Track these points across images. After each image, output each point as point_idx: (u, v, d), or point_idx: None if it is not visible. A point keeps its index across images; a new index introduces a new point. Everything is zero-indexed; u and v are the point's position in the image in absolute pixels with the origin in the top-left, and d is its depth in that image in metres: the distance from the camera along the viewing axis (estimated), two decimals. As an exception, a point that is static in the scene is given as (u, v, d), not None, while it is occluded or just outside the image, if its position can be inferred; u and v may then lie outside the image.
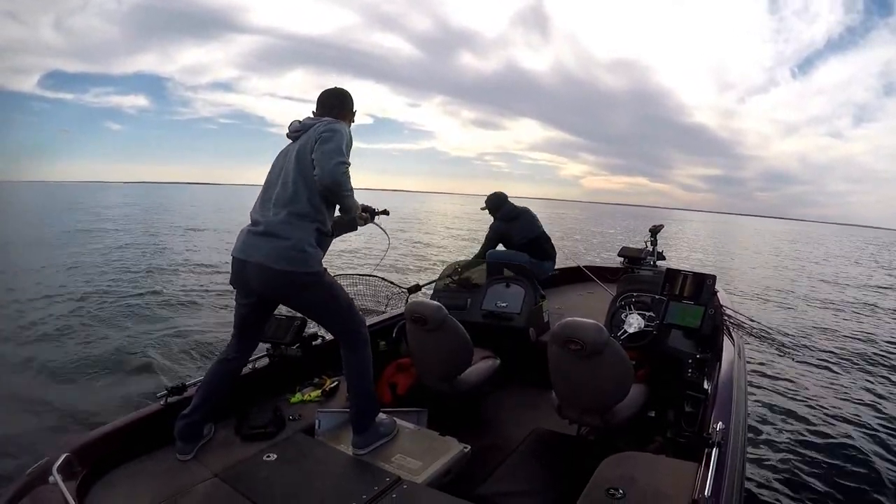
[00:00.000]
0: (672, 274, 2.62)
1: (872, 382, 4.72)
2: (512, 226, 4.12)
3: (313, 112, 1.96)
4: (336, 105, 1.96)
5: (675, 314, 2.49)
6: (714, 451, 1.38)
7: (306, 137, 1.81)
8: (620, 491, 1.42)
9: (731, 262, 16.25)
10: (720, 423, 1.49)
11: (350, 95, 2.02)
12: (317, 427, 1.97)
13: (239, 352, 1.92)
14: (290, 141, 1.90)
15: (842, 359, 5.48)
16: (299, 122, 1.90)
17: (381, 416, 1.92)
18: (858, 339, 6.50)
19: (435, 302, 2.29)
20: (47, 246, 12.49)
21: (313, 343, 2.46)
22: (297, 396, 2.23)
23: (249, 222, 1.83)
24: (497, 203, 4.19)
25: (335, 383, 2.28)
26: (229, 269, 1.83)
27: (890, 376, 4.99)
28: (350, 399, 1.89)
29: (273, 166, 1.91)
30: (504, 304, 2.96)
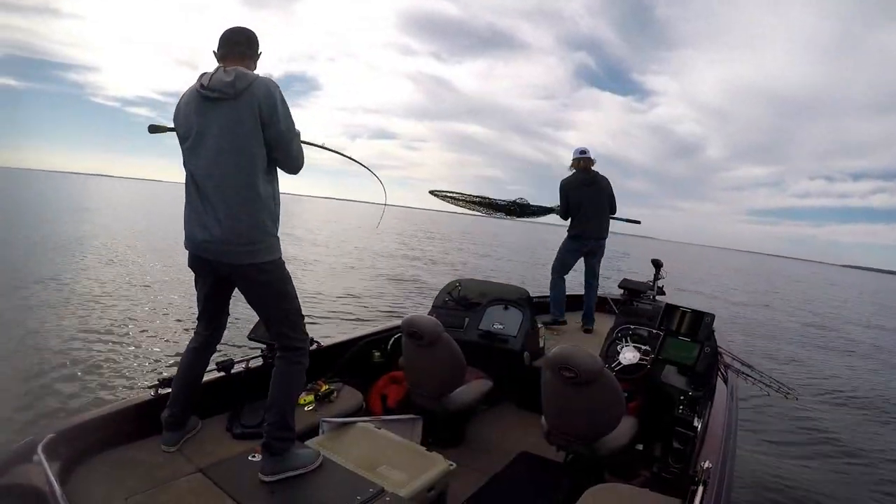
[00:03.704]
0: (671, 309, 2.64)
1: (873, 432, 4.63)
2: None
3: (214, 53, 1.69)
4: (244, 44, 1.70)
5: (670, 350, 2.50)
6: (699, 489, 1.39)
7: (248, 104, 1.55)
8: None
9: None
10: (707, 461, 1.49)
11: (256, 36, 1.74)
12: (321, 433, 2.00)
13: (208, 331, 1.87)
14: (199, 90, 1.59)
15: (842, 405, 5.42)
16: (228, 81, 1.55)
17: (304, 448, 1.74)
18: (863, 385, 6.42)
19: (432, 318, 2.32)
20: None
21: (310, 348, 2.47)
22: (291, 400, 2.24)
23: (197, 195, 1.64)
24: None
25: (332, 391, 2.28)
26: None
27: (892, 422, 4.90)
28: (267, 417, 1.68)
29: (200, 133, 1.59)
30: (501, 326, 2.98)
